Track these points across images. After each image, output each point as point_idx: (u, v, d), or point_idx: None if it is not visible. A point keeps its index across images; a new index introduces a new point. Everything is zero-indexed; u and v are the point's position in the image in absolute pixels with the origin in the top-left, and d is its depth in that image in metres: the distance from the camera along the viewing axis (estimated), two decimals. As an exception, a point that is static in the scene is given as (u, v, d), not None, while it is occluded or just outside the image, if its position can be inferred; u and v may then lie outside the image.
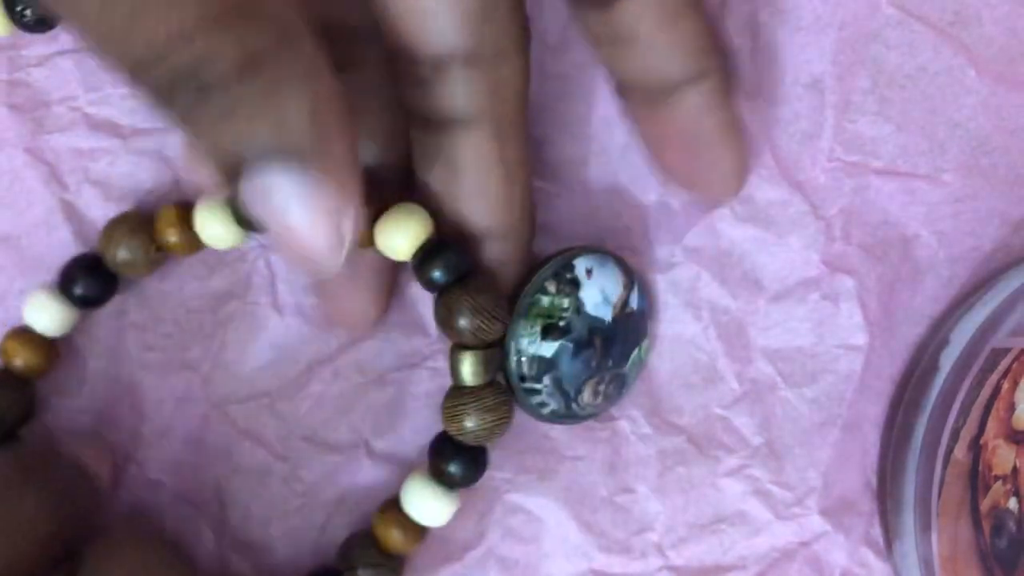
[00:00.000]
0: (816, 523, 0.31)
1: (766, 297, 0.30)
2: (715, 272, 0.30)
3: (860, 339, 0.30)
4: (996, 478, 0.26)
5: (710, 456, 0.31)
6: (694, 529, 0.31)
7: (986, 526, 0.26)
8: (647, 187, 0.30)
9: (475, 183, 0.26)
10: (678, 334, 0.30)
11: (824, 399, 0.31)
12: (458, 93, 0.25)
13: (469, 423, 0.27)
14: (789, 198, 0.30)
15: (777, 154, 0.30)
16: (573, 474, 0.31)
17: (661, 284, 0.30)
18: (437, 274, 0.26)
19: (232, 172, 0.21)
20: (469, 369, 0.27)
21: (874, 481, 0.31)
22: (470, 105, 0.25)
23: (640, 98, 0.27)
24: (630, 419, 0.31)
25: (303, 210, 0.21)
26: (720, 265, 0.30)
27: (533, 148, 0.30)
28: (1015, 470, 0.26)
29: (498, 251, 0.27)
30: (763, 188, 0.30)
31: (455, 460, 0.28)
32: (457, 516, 0.30)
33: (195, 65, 0.20)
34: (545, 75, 0.30)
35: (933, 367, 0.29)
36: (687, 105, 0.27)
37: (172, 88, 0.20)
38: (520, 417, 0.30)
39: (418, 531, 0.28)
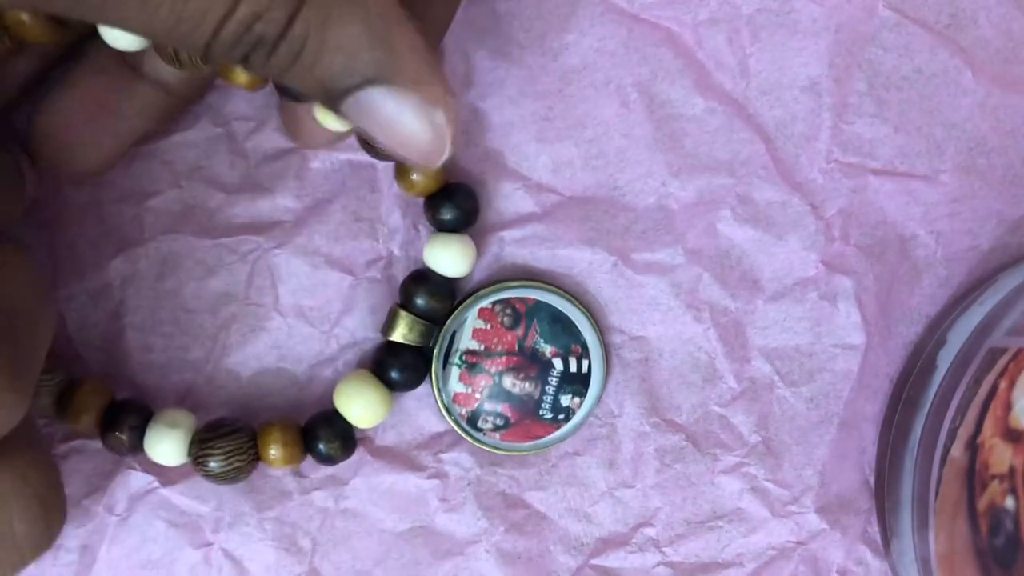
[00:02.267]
0: (813, 521, 0.31)
1: (764, 297, 0.30)
2: (716, 273, 0.30)
3: (858, 338, 0.30)
4: (993, 477, 0.26)
5: (708, 454, 0.31)
6: (692, 526, 0.31)
7: (983, 524, 0.26)
8: (646, 188, 0.30)
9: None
10: (678, 334, 0.30)
11: (821, 398, 0.31)
12: None
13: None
14: (788, 198, 0.30)
15: (775, 156, 0.30)
16: (573, 469, 0.31)
17: (663, 286, 0.30)
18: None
19: (330, 101, 0.22)
20: (403, 329, 0.29)
21: (871, 479, 0.31)
22: None
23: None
24: (629, 417, 0.31)
25: (398, 119, 0.22)
26: (720, 266, 0.30)
27: (532, 150, 0.30)
28: (1012, 469, 0.26)
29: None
30: (763, 189, 0.30)
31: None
32: (459, 511, 0.30)
33: (249, 28, 0.21)
34: (544, 78, 0.30)
35: (930, 366, 0.30)
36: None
37: (241, 54, 0.21)
38: (520, 416, 0.30)
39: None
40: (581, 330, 0.30)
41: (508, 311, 0.30)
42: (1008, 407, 0.26)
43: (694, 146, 0.30)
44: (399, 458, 0.31)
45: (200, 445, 0.28)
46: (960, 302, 0.30)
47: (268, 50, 0.21)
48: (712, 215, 0.30)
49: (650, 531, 0.31)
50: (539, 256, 0.30)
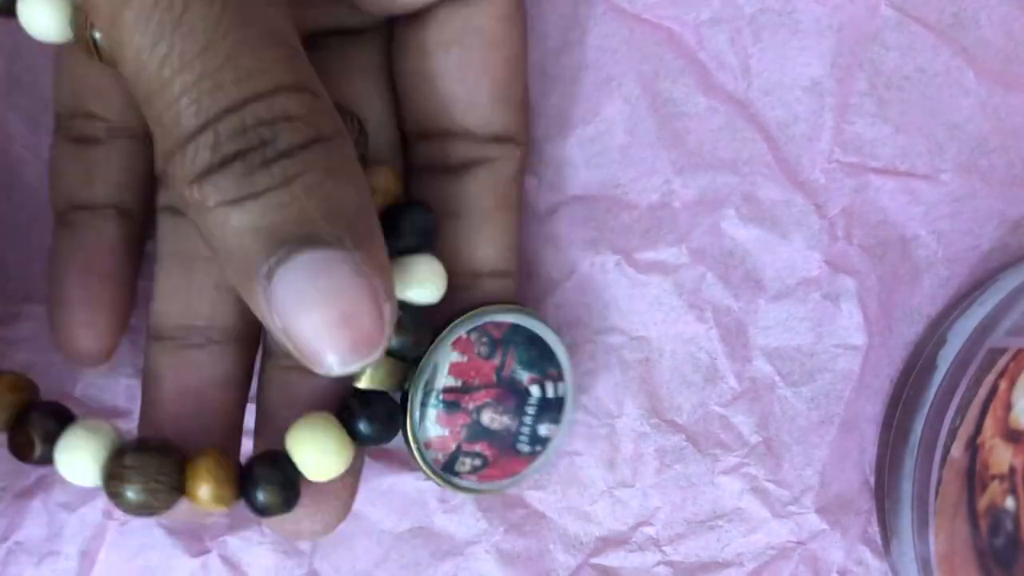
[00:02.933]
0: (813, 521, 0.31)
1: (767, 296, 0.30)
2: (719, 273, 0.30)
3: (859, 339, 0.30)
4: (993, 477, 0.26)
5: (708, 454, 0.31)
6: (692, 525, 0.31)
7: (983, 525, 0.26)
8: (649, 187, 0.30)
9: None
10: (680, 334, 0.30)
11: (822, 398, 0.31)
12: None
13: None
14: (792, 197, 0.30)
15: (778, 155, 0.30)
16: (572, 469, 0.31)
17: (666, 285, 0.30)
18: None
19: (271, 257, 0.20)
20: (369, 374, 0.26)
21: (872, 480, 0.31)
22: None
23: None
24: (629, 417, 0.31)
25: (354, 292, 0.20)
26: (724, 266, 0.30)
27: (534, 148, 0.30)
28: (1012, 469, 0.26)
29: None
30: (766, 188, 0.30)
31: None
32: (459, 511, 0.30)
33: (272, 120, 0.20)
34: (545, 77, 0.30)
35: (931, 366, 0.30)
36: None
37: (238, 143, 0.20)
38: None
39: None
40: (556, 353, 0.28)
41: (484, 339, 0.27)
42: (1008, 407, 0.27)
43: (697, 145, 0.30)
44: (398, 458, 0.31)
45: (115, 465, 0.24)
46: (960, 302, 0.30)
47: (260, 163, 0.20)
48: (716, 214, 0.30)
49: (650, 530, 0.31)
50: (544, 258, 0.30)
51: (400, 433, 0.26)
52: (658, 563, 0.31)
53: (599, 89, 0.30)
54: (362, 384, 0.25)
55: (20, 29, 0.24)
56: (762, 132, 0.30)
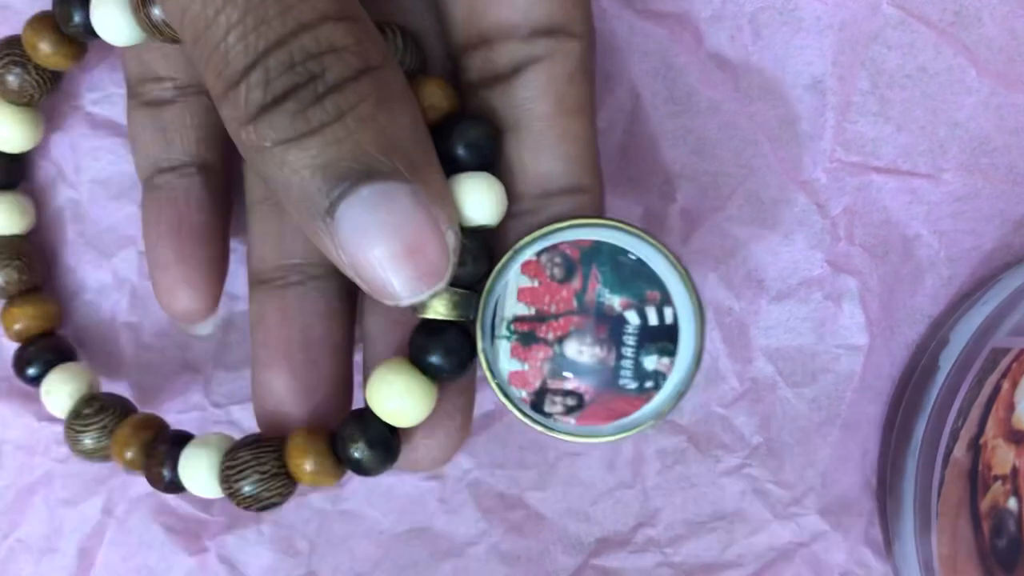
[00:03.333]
0: (815, 523, 0.31)
1: (768, 297, 0.30)
2: (721, 273, 0.30)
3: (861, 339, 0.30)
4: (996, 478, 0.26)
5: (710, 455, 0.31)
6: (693, 526, 0.31)
7: (986, 526, 0.26)
8: (650, 186, 0.30)
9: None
10: (679, 333, 0.30)
11: (824, 399, 0.31)
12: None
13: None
14: (794, 197, 0.30)
15: (779, 155, 0.30)
16: (573, 470, 0.31)
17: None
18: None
19: (332, 193, 0.20)
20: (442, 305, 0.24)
21: (873, 481, 0.31)
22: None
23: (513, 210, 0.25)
24: (630, 418, 0.31)
25: (416, 223, 0.21)
26: (726, 266, 0.30)
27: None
28: (1015, 470, 0.26)
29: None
30: (768, 187, 0.30)
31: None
32: (458, 512, 0.30)
33: (320, 53, 0.20)
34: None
35: (933, 367, 0.29)
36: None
37: (288, 80, 0.20)
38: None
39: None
40: (656, 271, 0.24)
41: (558, 260, 0.24)
42: (1011, 408, 0.26)
43: (698, 144, 0.30)
44: (398, 458, 0.31)
45: (223, 468, 0.25)
46: (963, 302, 0.30)
47: (312, 99, 0.20)
48: (717, 214, 0.30)
49: (651, 531, 0.31)
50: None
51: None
52: (659, 564, 0.31)
53: (599, 87, 0.30)
54: (428, 315, 0.24)
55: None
56: (763, 131, 0.30)
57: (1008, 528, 0.26)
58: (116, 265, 0.30)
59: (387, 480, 0.30)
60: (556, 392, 0.24)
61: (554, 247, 0.24)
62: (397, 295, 0.21)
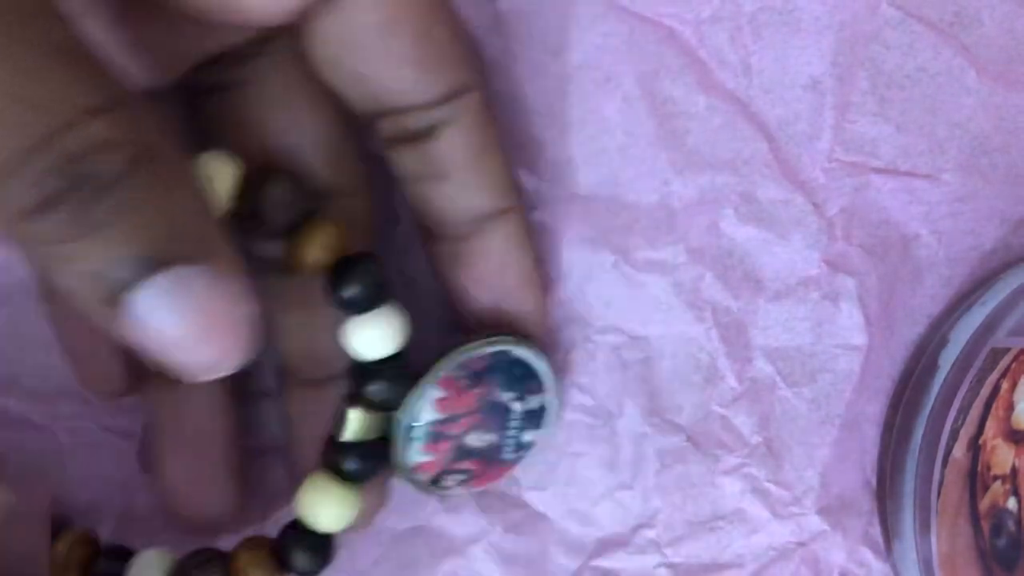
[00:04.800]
0: (814, 522, 0.31)
1: (767, 296, 0.30)
2: (718, 273, 0.30)
3: (859, 339, 0.30)
4: (995, 478, 0.26)
5: (709, 455, 0.31)
6: (692, 527, 0.31)
7: (985, 526, 0.26)
8: (648, 187, 0.30)
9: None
10: (680, 334, 0.30)
11: (823, 398, 0.31)
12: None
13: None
14: (791, 197, 0.30)
15: (778, 155, 0.30)
16: (573, 470, 0.31)
17: (664, 285, 0.30)
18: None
19: (122, 284, 0.19)
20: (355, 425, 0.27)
21: (873, 480, 0.31)
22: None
23: (448, 237, 0.27)
24: (629, 418, 0.31)
25: (213, 303, 0.20)
26: (723, 266, 0.30)
27: (533, 148, 0.30)
28: (1014, 470, 0.26)
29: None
30: (766, 188, 0.30)
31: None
32: (458, 511, 0.30)
33: (90, 152, 0.19)
34: (545, 76, 0.30)
35: (932, 366, 0.30)
36: (494, 240, 0.27)
37: (60, 180, 0.18)
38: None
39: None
40: (537, 371, 0.28)
41: (467, 372, 0.27)
42: (1010, 408, 0.26)
43: (696, 144, 0.30)
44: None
45: None
46: (962, 302, 0.30)
47: (88, 199, 0.19)
48: (715, 214, 0.30)
49: (650, 532, 0.31)
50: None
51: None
52: (659, 565, 0.31)
53: (598, 88, 0.30)
54: (347, 438, 0.26)
55: None
56: (762, 131, 0.30)
57: (1008, 528, 0.26)
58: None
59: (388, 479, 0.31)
60: (454, 472, 0.28)
61: (466, 363, 0.27)
62: (198, 375, 0.21)
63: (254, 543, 0.26)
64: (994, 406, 0.27)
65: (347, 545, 0.31)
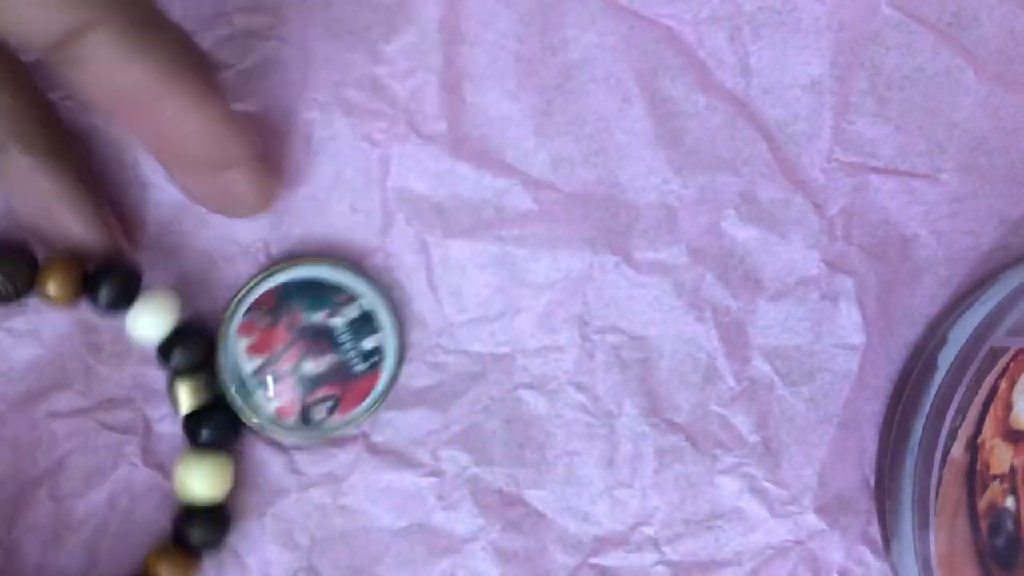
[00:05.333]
0: (812, 521, 0.31)
1: (766, 296, 0.30)
2: (719, 273, 0.30)
3: (858, 338, 0.30)
4: (993, 477, 0.26)
5: (707, 454, 0.31)
6: (690, 525, 0.31)
7: (984, 525, 0.26)
8: (647, 186, 0.30)
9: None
10: (679, 334, 0.30)
11: (821, 398, 0.31)
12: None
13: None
14: (791, 197, 0.30)
15: (777, 155, 0.30)
16: (572, 468, 0.31)
17: (665, 286, 0.30)
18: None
19: None
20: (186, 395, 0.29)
21: (871, 480, 0.31)
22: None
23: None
24: (628, 417, 0.31)
25: None
26: (723, 265, 0.30)
27: (533, 147, 0.30)
28: (1012, 469, 0.26)
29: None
30: (766, 188, 0.30)
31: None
32: (456, 508, 0.30)
33: None
34: (543, 72, 0.30)
35: (931, 366, 0.29)
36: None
37: None
38: (521, 411, 0.30)
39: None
40: (337, 280, 0.29)
41: (261, 311, 0.29)
42: (1009, 407, 0.26)
43: (696, 144, 0.30)
44: (396, 455, 0.31)
45: None
46: (961, 302, 0.30)
47: None
48: (715, 214, 0.30)
49: (649, 530, 0.31)
50: (537, 257, 0.30)
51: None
52: (656, 563, 0.31)
53: (597, 86, 0.30)
54: (186, 409, 0.29)
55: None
56: (761, 131, 0.30)
57: (1006, 527, 0.26)
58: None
59: (386, 476, 0.31)
60: (315, 403, 0.29)
61: (253, 305, 0.29)
62: None
63: (67, 262, 0.28)
64: (993, 406, 0.27)
65: (346, 542, 0.31)
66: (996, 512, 0.26)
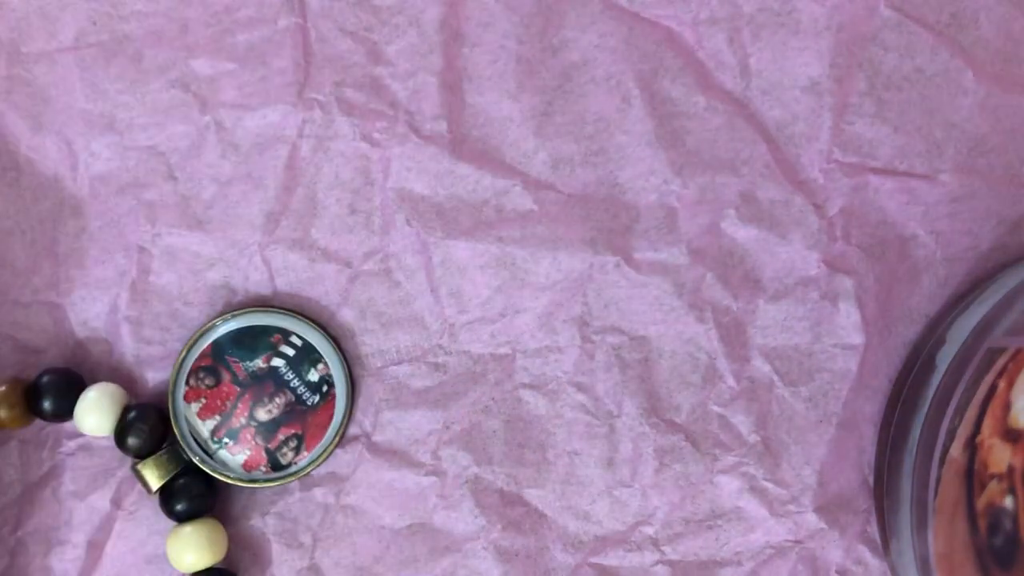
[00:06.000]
0: (811, 520, 0.31)
1: (766, 296, 0.30)
2: (718, 273, 0.30)
3: (857, 338, 0.30)
4: (992, 476, 0.26)
5: (707, 453, 0.31)
6: (690, 525, 0.31)
7: (982, 524, 0.26)
8: (647, 187, 0.30)
9: None
10: (679, 334, 0.30)
11: (820, 397, 0.31)
12: None
13: None
14: (791, 198, 0.30)
15: (777, 155, 0.30)
16: (572, 468, 0.31)
17: (666, 286, 0.30)
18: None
19: None
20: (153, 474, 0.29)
21: (870, 479, 0.31)
22: None
23: None
24: (628, 416, 0.31)
25: None
26: (723, 266, 0.30)
27: (534, 148, 0.30)
28: (1011, 468, 0.26)
29: None
30: (765, 188, 0.30)
31: None
32: (457, 508, 0.30)
33: None
34: (543, 73, 0.30)
35: (930, 366, 0.30)
36: None
37: None
38: (521, 411, 0.30)
39: None
40: (264, 322, 0.30)
41: (202, 375, 0.30)
42: (1007, 407, 0.26)
43: (696, 144, 0.30)
44: (397, 455, 0.31)
45: None
46: (959, 302, 0.30)
47: None
48: (715, 214, 0.30)
49: (649, 530, 0.31)
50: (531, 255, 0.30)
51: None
52: (656, 563, 0.31)
53: (597, 87, 0.30)
54: (156, 487, 0.29)
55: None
56: (761, 132, 0.30)
57: (1004, 526, 0.26)
58: (117, 260, 0.30)
59: (388, 475, 0.31)
60: (279, 447, 0.30)
61: (192, 370, 0.29)
62: None
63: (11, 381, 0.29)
64: (991, 405, 0.27)
65: (348, 541, 0.31)
66: (994, 511, 0.26)
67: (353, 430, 0.30)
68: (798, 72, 0.30)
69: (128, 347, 0.30)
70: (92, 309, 0.30)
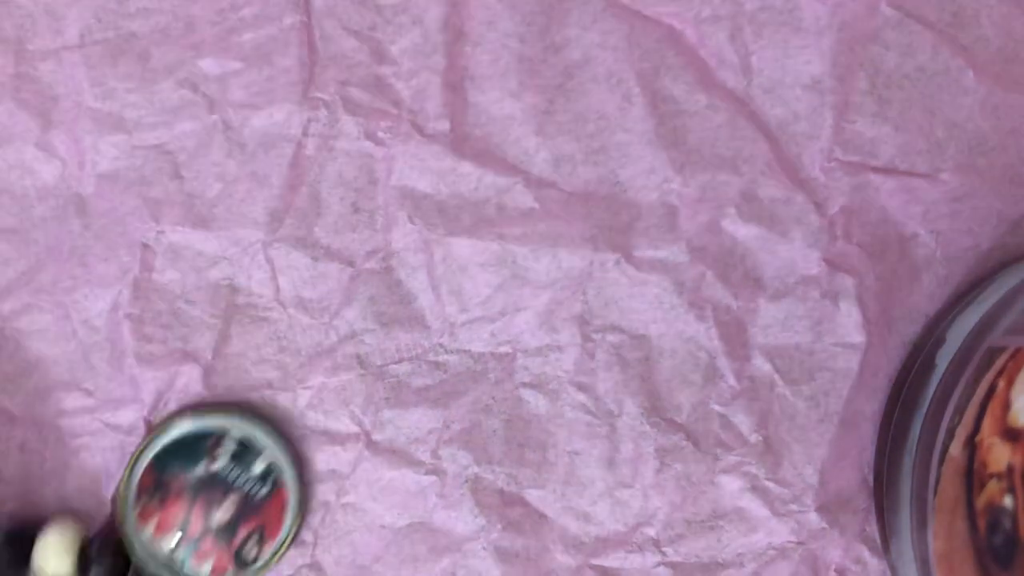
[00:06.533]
0: (813, 520, 0.31)
1: (766, 295, 0.30)
2: (719, 272, 0.30)
3: (858, 337, 0.30)
4: (991, 475, 0.26)
5: (708, 453, 0.31)
6: (692, 525, 0.31)
7: (982, 523, 0.26)
8: (648, 185, 0.30)
9: None
10: (680, 333, 0.31)
11: (821, 397, 0.31)
12: None
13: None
14: (791, 196, 0.30)
15: (778, 154, 0.30)
16: (572, 468, 0.31)
17: (666, 284, 0.30)
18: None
19: None
20: None
21: (871, 478, 0.31)
22: None
23: None
24: (629, 416, 0.31)
25: None
26: (724, 264, 0.30)
27: (535, 146, 0.30)
28: (1010, 468, 0.26)
29: None
30: (766, 186, 0.30)
31: None
32: (457, 507, 0.30)
33: None
34: (545, 71, 0.30)
35: (930, 365, 0.30)
36: None
37: None
38: (521, 410, 0.30)
39: None
40: (196, 428, 0.30)
41: (151, 491, 0.30)
42: (1007, 406, 0.26)
43: (697, 143, 0.30)
44: (398, 454, 0.31)
45: None
46: (959, 301, 0.30)
47: None
48: (716, 212, 0.30)
49: (650, 530, 0.31)
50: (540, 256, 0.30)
51: None
52: (658, 564, 0.31)
53: (599, 85, 0.30)
54: None
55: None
56: (762, 130, 0.30)
57: (1004, 525, 0.26)
58: (121, 257, 0.30)
59: (388, 475, 0.31)
60: (242, 546, 0.30)
61: (137, 492, 0.29)
62: None
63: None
64: (991, 404, 0.27)
65: (349, 539, 0.31)
66: (994, 510, 0.26)
67: (353, 430, 0.30)
68: (800, 71, 0.30)
69: (128, 345, 0.30)
70: (94, 307, 0.30)
